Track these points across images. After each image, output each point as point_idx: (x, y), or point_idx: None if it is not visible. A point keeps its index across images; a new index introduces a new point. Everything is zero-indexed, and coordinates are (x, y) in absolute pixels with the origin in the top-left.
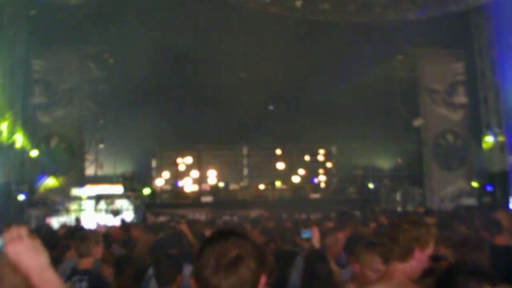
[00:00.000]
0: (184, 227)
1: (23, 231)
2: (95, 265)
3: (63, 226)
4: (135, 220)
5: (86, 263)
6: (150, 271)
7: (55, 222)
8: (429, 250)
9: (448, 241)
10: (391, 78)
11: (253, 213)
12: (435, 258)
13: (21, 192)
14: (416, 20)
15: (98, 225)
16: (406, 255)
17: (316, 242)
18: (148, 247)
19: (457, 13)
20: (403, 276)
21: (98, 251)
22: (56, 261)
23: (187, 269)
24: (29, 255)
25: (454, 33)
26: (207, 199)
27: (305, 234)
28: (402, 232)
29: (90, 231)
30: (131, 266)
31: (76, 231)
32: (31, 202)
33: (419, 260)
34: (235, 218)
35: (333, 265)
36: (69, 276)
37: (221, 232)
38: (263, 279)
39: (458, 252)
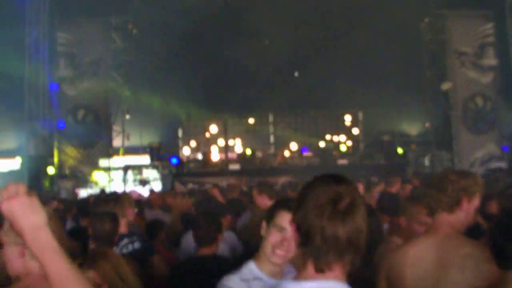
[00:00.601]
0: (216, 192)
1: (21, 188)
2: (131, 228)
3: (91, 195)
4: (163, 189)
5: (122, 225)
6: (187, 235)
7: (84, 193)
8: (476, 202)
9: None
10: (418, 40)
11: (281, 180)
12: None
13: (50, 164)
14: None
15: (131, 191)
16: (454, 205)
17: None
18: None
19: None
20: (450, 228)
21: (131, 213)
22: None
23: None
24: (24, 213)
25: None
26: (235, 167)
27: None
28: (450, 182)
29: (123, 193)
30: (163, 230)
31: (106, 196)
32: (61, 174)
33: (466, 211)
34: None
35: None
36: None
37: (330, 175)
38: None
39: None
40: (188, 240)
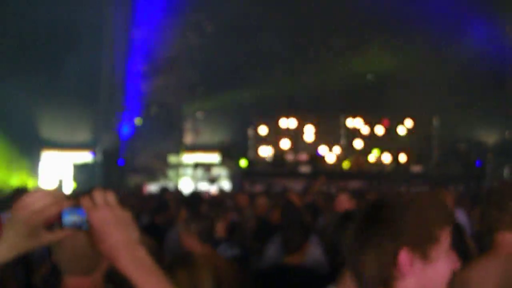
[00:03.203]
0: (294, 197)
1: (111, 198)
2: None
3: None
4: (233, 189)
5: (221, 229)
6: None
7: (153, 188)
8: None
9: None
10: (502, 44)
11: (352, 185)
12: None
13: (121, 158)
14: None
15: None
16: None
17: None
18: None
19: None
20: None
21: (231, 216)
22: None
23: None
24: (118, 226)
25: None
26: (305, 169)
27: None
28: (510, 199)
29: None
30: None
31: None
32: (132, 168)
33: None
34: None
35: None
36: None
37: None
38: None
39: None
40: (271, 247)
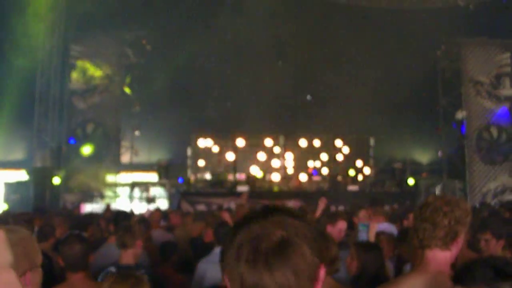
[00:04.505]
0: (226, 216)
1: None
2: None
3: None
4: (170, 208)
5: (129, 256)
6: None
7: (89, 208)
8: (466, 230)
9: None
10: (433, 69)
11: (290, 204)
12: None
13: (56, 177)
14: (461, 8)
15: (147, 210)
16: (449, 241)
17: (372, 236)
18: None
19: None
20: (444, 265)
21: (140, 244)
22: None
23: None
24: None
25: (500, 23)
26: (243, 188)
27: (362, 227)
28: (444, 215)
29: (134, 222)
30: (176, 253)
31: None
32: (67, 187)
33: (460, 245)
34: None
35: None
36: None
37: (260, 209)
38: (322, 271)
39: None
40: (202, 269)
